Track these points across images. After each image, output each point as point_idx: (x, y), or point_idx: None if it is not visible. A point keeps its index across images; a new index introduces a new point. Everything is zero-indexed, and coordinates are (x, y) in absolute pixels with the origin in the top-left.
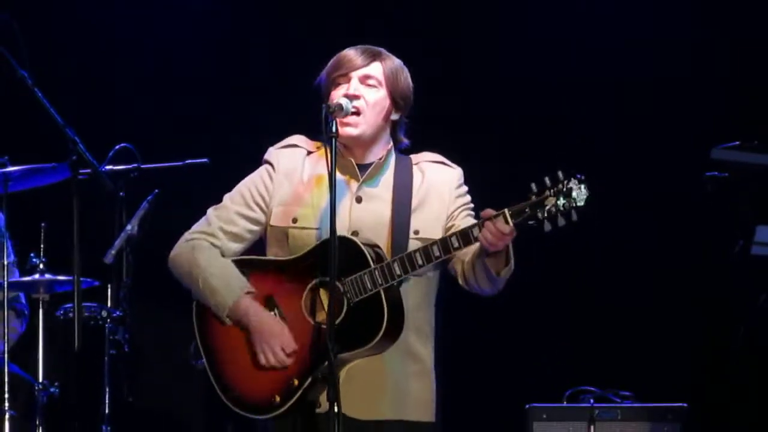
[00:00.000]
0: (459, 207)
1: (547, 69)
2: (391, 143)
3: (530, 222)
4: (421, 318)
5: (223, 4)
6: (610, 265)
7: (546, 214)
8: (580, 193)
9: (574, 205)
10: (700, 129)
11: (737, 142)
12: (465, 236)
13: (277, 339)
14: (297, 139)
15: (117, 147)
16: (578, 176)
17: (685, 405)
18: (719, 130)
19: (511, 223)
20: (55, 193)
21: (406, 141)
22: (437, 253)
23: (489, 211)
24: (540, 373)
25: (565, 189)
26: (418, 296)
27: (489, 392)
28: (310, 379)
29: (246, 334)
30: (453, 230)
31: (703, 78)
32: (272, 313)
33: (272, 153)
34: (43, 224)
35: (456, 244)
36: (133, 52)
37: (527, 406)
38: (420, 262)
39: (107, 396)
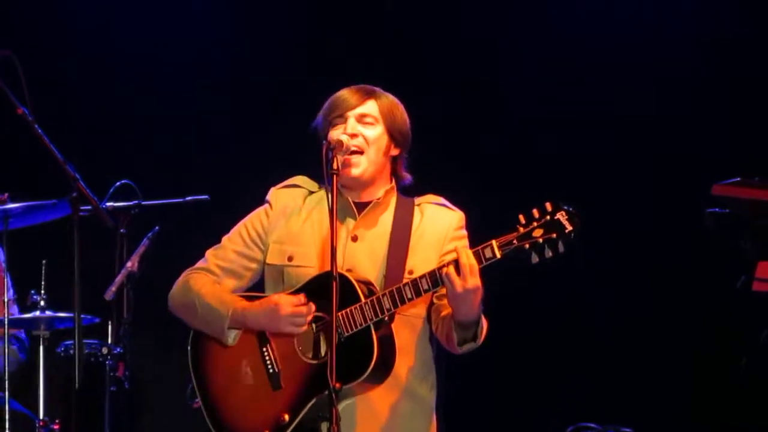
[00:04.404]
0: (451, 251)
1: (545, 95)
2: (393, 182)
3: (518, 253)
4: (417, 356)
5: (223, 44)
6: (612, 300)
7: (533, 246)
8: (567, 226)
9: (561, 237)
10: (701, 163)
11: (738, 179)
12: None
13: (285, 306)
14: (298, 179)
15: (118, 183)
16: (566, 208)
17: None
18: (719, 165)
19: (498, 254)
20: (55, 230)
21: (409, 177)
22: (426, 286)
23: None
24: (541, 409)
25: (552, 221)
26: (412, 335)
27: (490, 429)
28: (301, 415)
29: (240, 362)
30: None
31: (703, 110)
32: (264, 348)
33: (272, 192)
34: (43, 261)
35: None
36: (133, 89)
37: None
38: (409, 295)
39: None
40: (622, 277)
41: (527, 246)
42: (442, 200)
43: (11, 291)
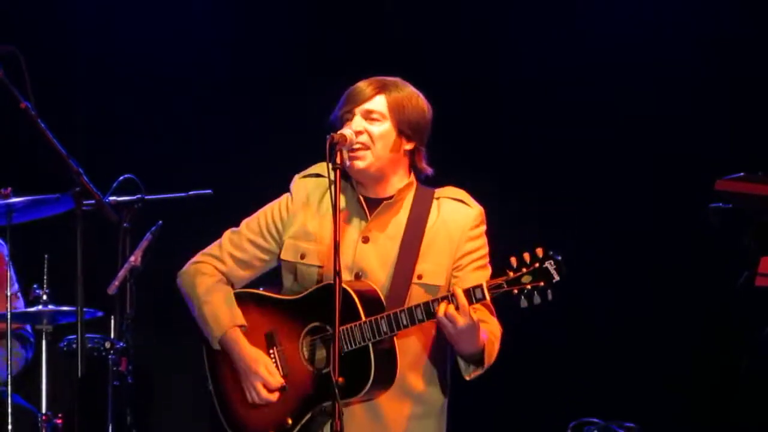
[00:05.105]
0: (466, 254)
1: (547, 103)
2: (412, 177)
3: (507, 297)
4: (429, 359)
5: (223, 44)
6: (614, 296)
7: (522, 291)
8: (554, 276)
9: (548, 286)
10: (701, 163)
11: (741, 174)
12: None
13: (258, 377)
14: (322, 167)
15: (121, 178)
16: (556, 257)
17: None
18: (719, 164)
19: (488, 297)
20: (58, 224)
21: (429, 170)
22: (420, 316)
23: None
24: (544, 405)
25: (541, 269)
26: (426, 338)
27: (493, 425)
28: (303, 421)
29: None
30: (454, 285)
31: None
32: (271, 350)
33: (295, 182)
34: (46, 255)
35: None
36: (136, 84)
37: None
38: (405, 322)
39: (110, 427)
40: (622, 277)
41: (515, 291)
42: (461, 194)
43: (15, 285)
